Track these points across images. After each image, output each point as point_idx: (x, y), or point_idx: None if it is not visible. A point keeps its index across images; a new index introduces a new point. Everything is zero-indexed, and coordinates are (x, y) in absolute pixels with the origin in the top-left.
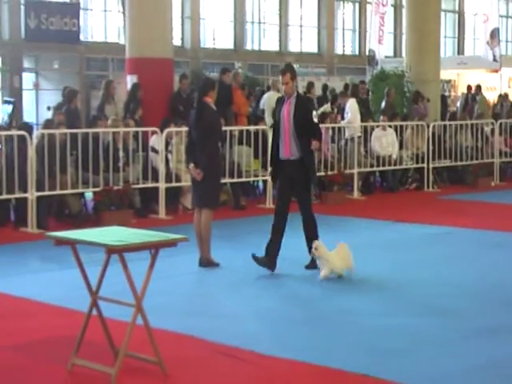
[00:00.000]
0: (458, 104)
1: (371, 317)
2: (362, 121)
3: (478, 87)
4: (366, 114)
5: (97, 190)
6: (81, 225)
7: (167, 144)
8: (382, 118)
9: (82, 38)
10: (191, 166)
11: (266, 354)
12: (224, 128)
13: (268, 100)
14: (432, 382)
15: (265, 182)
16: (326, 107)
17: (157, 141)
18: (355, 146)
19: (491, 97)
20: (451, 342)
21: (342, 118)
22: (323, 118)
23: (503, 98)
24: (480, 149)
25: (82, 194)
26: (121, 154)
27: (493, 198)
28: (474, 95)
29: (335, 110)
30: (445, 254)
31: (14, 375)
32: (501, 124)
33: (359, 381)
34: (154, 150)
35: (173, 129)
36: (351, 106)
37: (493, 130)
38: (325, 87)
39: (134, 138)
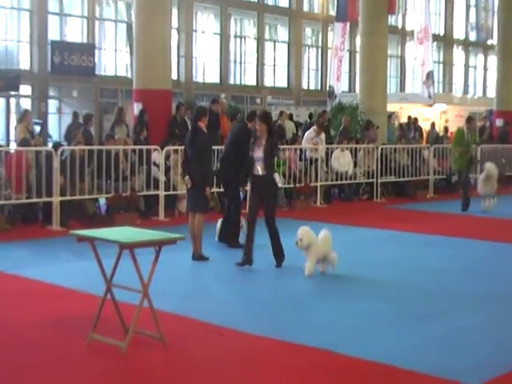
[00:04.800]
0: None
1: (332, 302)
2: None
3: (415, 119)
4: (327, 138)
5: (109, 195)
6: (96, 224)
7: (166, 159)
8: (339, 139)
9: (96, 72)
10: (186, 178)
11: (246, 332)
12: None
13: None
14: (383, 356)
15: (245, 192)
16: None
17: (158, 157)
18: (314, 165)
19: (426, 126)
20: (396, 323)
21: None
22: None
23: (431, 126)
24: (418, 168)
25: (96, 199)
26: (128, 166)
27: (428, 208)
28: (413, 124)
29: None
30: (390, 253)
31: (41, 346)
32: (435, 148)
33: (323, 355)
34: (156, 165)
35: (171, 147)
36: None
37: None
38: (310, 115)
39: (138, 154)
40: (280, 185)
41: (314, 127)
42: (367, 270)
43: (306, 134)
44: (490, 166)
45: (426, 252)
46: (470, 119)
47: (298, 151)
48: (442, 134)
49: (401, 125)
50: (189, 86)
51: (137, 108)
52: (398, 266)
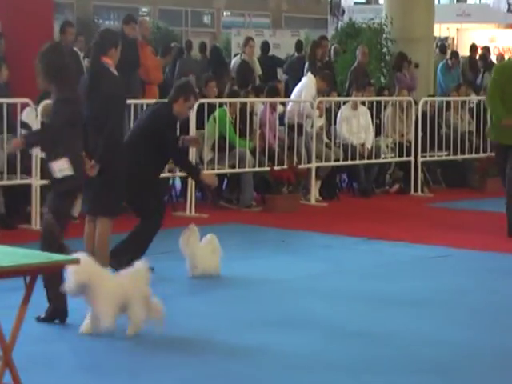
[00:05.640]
0: None
1: (335, 373)
2: (324, 95)
3: (485, 50)
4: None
5: None
6: None
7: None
8: (349, 88)
9: None
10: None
11: None
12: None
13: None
14: None
15: (184, 179)
16: None
17: (30, 117)
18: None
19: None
20: None
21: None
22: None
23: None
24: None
25: None
26: None
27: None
28: (482, 60)
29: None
30: (438, 287)
31: None
32: None
33: None
34: (27, 126)
35: None
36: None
37: None
38: (299, 44)
39: None
40: (59, 174)
41: (310, 76)
42: (399, 313)
43: (299, 87)
44: None
45: (504, 284)
46: None
47: (280, 108)
48: None
49: (458, 61)
50: None
51: None
52: (454, 309)
